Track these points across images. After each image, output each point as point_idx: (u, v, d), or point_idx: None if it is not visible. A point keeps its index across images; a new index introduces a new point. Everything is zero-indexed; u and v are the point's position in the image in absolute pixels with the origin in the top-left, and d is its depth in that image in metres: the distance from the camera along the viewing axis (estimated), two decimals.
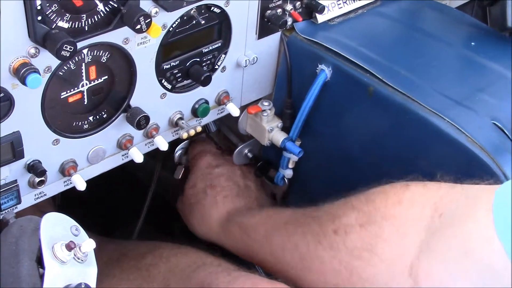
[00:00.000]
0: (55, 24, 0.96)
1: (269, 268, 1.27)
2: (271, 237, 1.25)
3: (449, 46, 1.27)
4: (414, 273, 0.95)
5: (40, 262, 0.84)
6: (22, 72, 0.94)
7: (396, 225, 1.01)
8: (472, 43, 1.28)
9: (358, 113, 1.25)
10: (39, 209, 1.50)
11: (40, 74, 0.95)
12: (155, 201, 1.63)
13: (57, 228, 0.87)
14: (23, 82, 0.95)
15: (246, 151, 1.49)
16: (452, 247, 0.91)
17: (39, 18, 0.94)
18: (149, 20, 1.01)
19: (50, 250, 0.84)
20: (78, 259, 0.85)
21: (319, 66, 1.26)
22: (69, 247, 0.83)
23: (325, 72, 1.25)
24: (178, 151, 1.52)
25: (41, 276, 0.83)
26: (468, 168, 1.09)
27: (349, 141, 1.30)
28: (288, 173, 1.42)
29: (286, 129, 1.37)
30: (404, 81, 1.19)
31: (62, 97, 1.06)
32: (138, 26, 1.01)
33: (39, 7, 0.93)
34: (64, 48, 0.94)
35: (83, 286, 0.81)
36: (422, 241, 0.96)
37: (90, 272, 0.86)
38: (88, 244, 0.84)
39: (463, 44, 1.28)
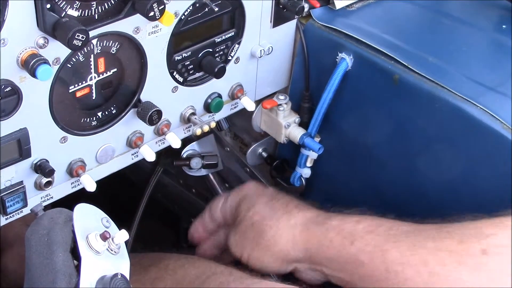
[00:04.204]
0: (64, 12, 1.02)
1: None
2: (385, 248, 1.18)
3: (478, 30, 1.33)
4: None
5: (73, 253, 0.90)
6: (31, 64, 1.00)
7: None
8: (503, 26, 1.34)
9: (383, 104, 1.31)
10: (25, 222, 1.55)
11: (50, 65, 1.01)
12: (154, 207, 1.69)
13: (88, 219, 0.92)
14: (33, 74, 1.00)
15: (260, 150, 1.54)
16: None
17: (48, 6, 0.99)
18: (162, 6, 1.07)
19: (85, 241, 0.89)
20: (111, 250, 0.90)
21: (339, 54, 1.32)
22: (104, 237, 0.89)
23: (346, 61, 1.31)
24: (185, 153, 1.57)
25: (76, 267, 0.88)
26: (504, 156, 1.14)
27: (373, 135, 1.35)
28: (306, 172, 1.47)
29: (304, 124, 1.42)
30: (432, 67, 1.24)
31: (70, 91, 1.11)
32: (152, 13, 1.07)
33: None
34: (76, 37, 0.99)
35: (119, 276, 0.86)
36: None
37: (123, 265, 0.91)
38: (121, 235, 0.90)
39: (493, 28, 1.34)
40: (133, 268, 1.45)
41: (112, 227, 0.94)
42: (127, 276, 0.90)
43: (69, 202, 1.21)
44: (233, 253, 1.37)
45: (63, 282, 0.88)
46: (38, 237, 0.91)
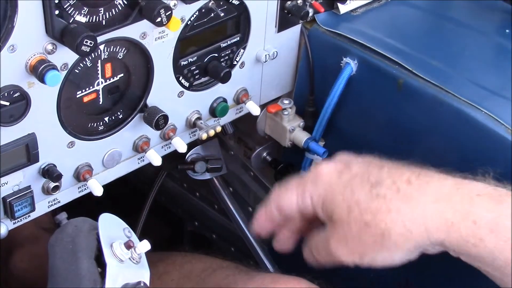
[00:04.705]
0: (72, 19, 1.03)
1: None
2: None
3: (482, 34, 1.34)
4: None
5: (97, 260, 0.92)
6: (40, 69, 1.01)
7: None
8: (507, 31, 1.35)
9: (387, 108, 1.32)
10: (37, 223, 1.57)
11: (58, 71, 1.02)
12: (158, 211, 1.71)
13: (112, 228, 0.95)
14: (42, 80, 1.01)
15: (264, 154, 1.55)
16: None
17: (57, 12, 1.01)
18: (169, 12, 1.08)
19: (109, 249, 0.91)
20: (133, 259, 0.93)
21: (344, 59, 1.33)
22: (129, 245, 0.92)
23: (350, 65, 1.32)
24: (190, 157, 1.58)
25: (100, 274, 0.91)
26: (508, 159, 1.15)
27: (378, 140, 1.36)
28: None
29: (308, 128, 1.43)
30: (436, 72, 1.25)
31: (77, 96, 1.13)
32: (159, 19, 1.08)
33: (57, 1, 1.00)
34: (84, 42, 1.00)
35: (142, 284, 0.88)
36: None
37: (144, 274, 0.94)
38: (143, 245, 0.92)
39: (497, 32, 1.35)
40: None
41: (133, 237, 0.96)
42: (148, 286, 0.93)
43: (71, 205, 1.23)
44: (337, 258, 1.13)
45: None
46: (63, 244, 0.94)
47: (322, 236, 1.14)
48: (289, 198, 1.17)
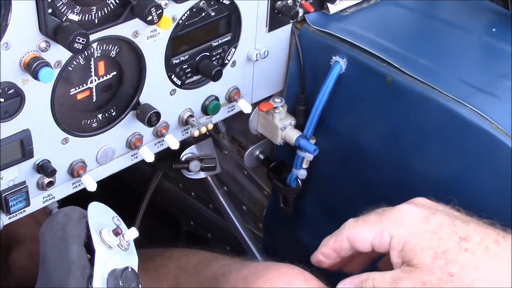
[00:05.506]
0: (65, 17, 1.06)
1: None
2: None
3: (469, 33, 1.37)
4: None
5: (87, 248, 0.95)
6: (34, 66, 1.03)
7: None
8: (493, 30, 1.38)
9: (376, 106, 1.34)
10: (36, 220, 1.59)
11: (52, 68, 1.05)
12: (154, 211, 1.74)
13: (101, 216, 0.98)
14: (35, 77, 1.04)
15: (257, 152, 1.58)
16: None
17: (50, 10, 1.03)
18: (160, 11, 1.11)
19: (98, 235, 0.95)
20: (122, 246, 0.96)
21: (333, 58, 1.35)
22: (117, 232, 0.95)
23: (339, 64, 1.35)
24: (184, 156, 1.61)
25: (89, 261, 0.94)
26: (494, 155, 1.18)
27: (367, 137, 1.39)
28: (302, 173, 1.51)
29: (299, 126, 1.46)
30: (423, 69, 1.28)
31: (71, 93, 1.15)
32: (150, 18, 1.10)
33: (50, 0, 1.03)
34: (76, 40, 1.03)
35: (130, 269, 0.91)
36: None
37: (132, 261, 0.97)
38: (131, 232, 0.95)
39: (483, 31, 1.38)
40: (139, 258, 1.51)
41: (122, 225, 0.99)
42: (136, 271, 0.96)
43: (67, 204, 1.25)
44: None
45: (77, 273, 0.93)
46: (53, 232, 0.97)
47: (386, 278, 1.12)
48: (366, 233, 1.15)
